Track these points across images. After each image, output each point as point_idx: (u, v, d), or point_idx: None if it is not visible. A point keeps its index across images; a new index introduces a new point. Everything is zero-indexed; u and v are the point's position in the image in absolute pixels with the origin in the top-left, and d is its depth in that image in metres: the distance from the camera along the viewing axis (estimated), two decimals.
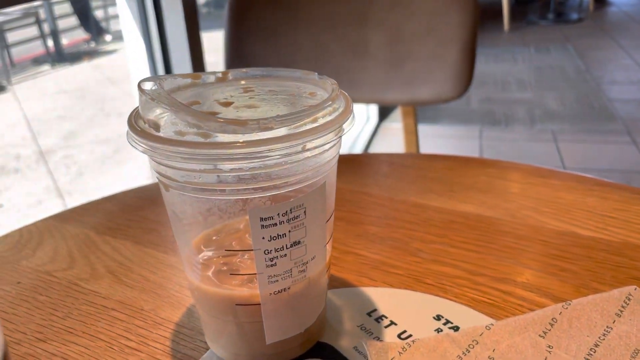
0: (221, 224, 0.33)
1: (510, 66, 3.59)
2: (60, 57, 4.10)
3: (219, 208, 0.31)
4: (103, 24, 4.75)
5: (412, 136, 1.17)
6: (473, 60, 1.06)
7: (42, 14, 4.14)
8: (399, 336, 0.38)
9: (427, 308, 0.40)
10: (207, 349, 0.37)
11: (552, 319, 0.38)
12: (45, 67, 4.00)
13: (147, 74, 1.06)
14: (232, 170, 0.29)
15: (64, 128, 2.97)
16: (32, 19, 4.13)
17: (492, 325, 0.37)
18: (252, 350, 0.35)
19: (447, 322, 0.39)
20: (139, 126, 0.30)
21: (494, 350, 0.36)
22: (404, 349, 0.36)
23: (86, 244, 0.50)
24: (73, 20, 4.58)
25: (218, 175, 0.29)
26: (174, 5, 1.06)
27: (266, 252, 0.31)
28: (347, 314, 0.40)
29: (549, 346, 0.36)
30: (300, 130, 0.29)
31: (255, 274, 0.31)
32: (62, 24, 4.42)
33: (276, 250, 0.31)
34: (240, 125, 0.28)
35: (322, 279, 0.35)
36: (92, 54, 4.25)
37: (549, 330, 0.37)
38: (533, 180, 0.57)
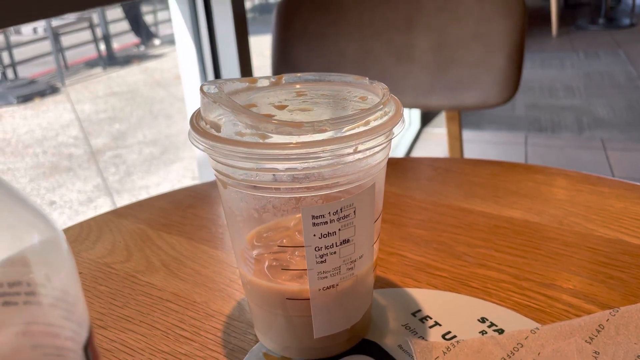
0: (274, 220, 0.35)
1: (557, 72, 3.51)
2: (111, 60, 4.25)
3: (273, 205, 0.32)
4: (152, 29, 4.89)
5: (456, 142, 1.17)
6: (520, 66, 1.05)
7: (96, 18, 4.29)
8: (443, 337, 0.38)
9: (471, 310, 0.41)
10: (257, 341, 0.39)
11: (599, 325, 0.38)
12: (97, 70, 4.15)
13: (197, 76, 1.09)
14: (286, 169, 0.30)
15: (114, 129, 3.08)
16: (86, 24, 4.29)
17: (538, 329, 0.38)
18: (300, 344, 0.36)
19: (492, 324, 0.39)
20: (200, 127, 0.32)
21: (539, 354, 0.36)
22: (448, 349, 0.37)
23: (142, 239, 0.52)
24: (124, 25, 4.74)
25: (274, 175, 0.31)
26: (224, 11, 1.09)
27: (317, 249, 0.32)
28: (392, 313, 0.41)
29: (596, 352, 0.36)
30: (352, 133, 0.30)
31: (305, 269, 0.33)
32: (113, 28, 4.58)
33: (326, 248, 0.32)
34: (295, 127, 0.29)
35: (369, 277, 0.36)
36: (141, 58, 4.39)
37: (596, 336, 0.37)
38: (581, 188, 0.56)
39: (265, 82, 0.38)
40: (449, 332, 0.39)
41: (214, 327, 0.40)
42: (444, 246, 0.48)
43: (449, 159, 0.66)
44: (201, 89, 0.32)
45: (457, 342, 0.37)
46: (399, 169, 0.63)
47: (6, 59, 3.85)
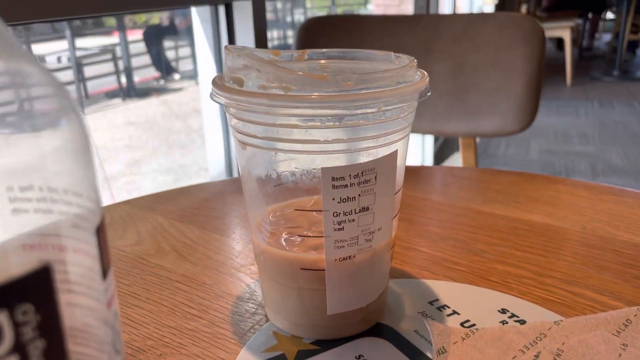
0: (293, 183, 0.34)
1: (572, 119, 3.52)
2: (131, 92, 4.33)
3: (294, 167, 0.32)
4: (173, 64, 5.00)
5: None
6: (538, 94, 1.05)
7: (119, 51, 4.41)
8: (461, 325, 0.37)
9: (491, 301, 0.39)
10: (267, 321, 0.37)
11: (626, 320, 0.36)
12: (117, 101, 4.22)
13: (217, 111, 1.10)
14: (308, 125, 0.29)
15: (129, 156, 3.11)
16: (109, 55, 4.40)
17: (561, 321, 0.36)
18: (312, 322, 0.35)
19: (513, 315, 0.37)
20: (222, 83, 0.31)
21: (563, 344, 0.34)
22: (467, 336, 0.35)
23: (154, 226, 0.51)
24: (146, 59, 4.86)
25: (295, 131, 0.30)
26: (246, 44, 1.11)
27: (335, 215, 0.31)
28: (408, 301, 0.39)
29: (624, 344, 0.34)
30: (377, 90, 0.29)
31: (322, 236, 0.32)
32: (135, 61, 4.69)
33: (345, 214, 0.31)
34: (320, 79, 0.29)
35: (386, 254, 0.35)
36: (160, 91, 4.47)
37: (623, 330, 0.35)
38: (604, 197, 0.55)
39: (289, 56, 0.38)
40: (467, 321, 0.37)
41: (222, 307, 0.39)
42: (461, 243, 0.47)
43: (466, 168, 0.65)
44: (226, 47, 0.32)
45: (477, 329, 0.35)
46: (416, 175, 0.62)
47: None
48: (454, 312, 0.38)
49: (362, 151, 0.31)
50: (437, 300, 0.39)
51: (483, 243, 0.47)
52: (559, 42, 4.94)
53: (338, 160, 0.30)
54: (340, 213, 0.31)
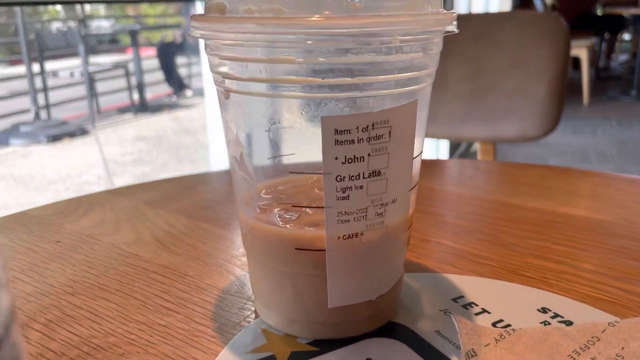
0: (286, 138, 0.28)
1: (589, 138, 3.43)
2: (143, 107, 4.32)
3: (286, 117, 0.26)
4: (186, 81, 5.00)
5: None
6: (562, 97, 0.98)
7: (131, 67, 4.41)
8: (494, 325, 0.30)
9: (529, 299, 0.32)
10: (255, 317, 0.31)
11: None
12: (128, 116, 4.21)
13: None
14: (305, 56, 0.23)
15: (138, 170, 3.07)
16: (121, 71, 4.41)
17: (617, 322, 0.29)
18: (309, 317, 0.28)
19: (556, 315, 0.31)
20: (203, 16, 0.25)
21: (622, 349, 0.27)
22: (502, 337, 0.28)
23: (135, 214, 0.45)
24: (159, 75, 4.86)
25: (288, 68, 0.24)
26: None
27: (338, 179, 0.25)
28: (427, 297, 0.33)
29: None
30: (393, 14, 0.23)
31: (322, 207, 0.25)
32: (148, 78, 4.69)
33: (351, 179, 0.25)
34: None
35: (402, 234, 0.28)
36: (172, 107, 4.45)
37: None
38: None
39: None
40: (501, 321, 0.30)
41: (204, 300, 0.32)
42: (489, 237, 0.40)
43: (489, 161, 0.59)
44: None
45: (513, 330, 0.29)
46: (434, 167, 0.56)
47: (41, 101, 3.94)
48: (484, 311, 0.31)
49: (372, 98, 0.25)
50: (462, 297, 0.33)
51: (514, 236, 0.40)
52: (575, 62, 4.88)
53: (343, 104, 0.24)
54: (345, 177, 0.25)
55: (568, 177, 0.52)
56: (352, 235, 0.26)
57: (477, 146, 1.10)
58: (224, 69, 0.26)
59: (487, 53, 1.02)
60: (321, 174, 0.25)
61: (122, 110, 4.32)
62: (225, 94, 0.26)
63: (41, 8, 5.52)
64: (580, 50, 4.25)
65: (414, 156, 0.27)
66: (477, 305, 0.32)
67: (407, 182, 0.27)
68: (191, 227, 0.43)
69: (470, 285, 0.34)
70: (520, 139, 1.01)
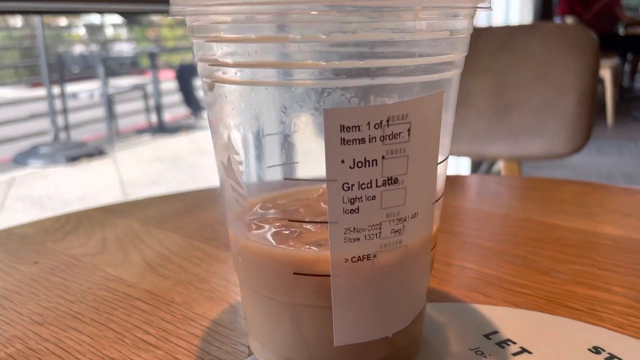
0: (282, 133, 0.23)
1: (615, 159, 3.34)
2: (161, 129, 4.33)
3: (281, 110, 0.21)
4: (203, 103, 5.02)
5: None
6: (592, 112, 0.93)
7: (150, 89, 4.44)
8: None
9: (576, 336, 0.27)
10: (249, 355, 0.26)
11: None
12: (146, 137, 4.22)
13: None
14: (304, 36, 0.19)
15: (154, 190, 3.05)
16: (140, 93, 4.44)
17: None
18: (312, 356, 0.23)
19: (612, 356, 0.25)
20: None
21: None
22: None
23: (125, 233, 0.41)
24: (177, 97, 4.89)
25: (283, 50, 0.19)
26: None
27: (345, 188, 0.20)
28: (454, 332, 0.27)
29: None
30: None
31: (325, 222, 0.21)
32: (166, 100, 4.72)
33: (361, 187, 0.20)
34: None
35: (424, 257, 0.23)
36: (189, 128, 4.46)
37: None
38: None
39: None
40: None
41: (190, 333, 0.28)
42: (523, 260, 0.35)
43: (522, 177, 0.53)
44: None
45: None
46: (458, 184, 0.51)
47: (61, 122, 3.97)
48: (523, 350, 0.26)
49: (386, 86, 0.20)
50: (497, 332, 0.27)
51: (552, 260, 0.35)
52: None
53: (351, 94, 0.20)
54: (353, 185, 0.20)
55: (610, 195, 0.46)
56: (363, 258, 0.21)
57: (500, 165, 1.04)
58: (207, 55, 0.21)
59: (511, 67, 0.97)
60: (325, 181, 0.20)
61: (140, 131, 4.34)
62: (209, 86, 0.22)
63: (65, 32, 5.62)
64: (604, 70, 4.18)
65: (439, 161, 0.22)
66: (514, 343, 0.26)
67: (430, 193, 0.22)
68: (185, 247, 0.38)
69: (505, 318, 0.28)
70: (547, 156, 0.95)
